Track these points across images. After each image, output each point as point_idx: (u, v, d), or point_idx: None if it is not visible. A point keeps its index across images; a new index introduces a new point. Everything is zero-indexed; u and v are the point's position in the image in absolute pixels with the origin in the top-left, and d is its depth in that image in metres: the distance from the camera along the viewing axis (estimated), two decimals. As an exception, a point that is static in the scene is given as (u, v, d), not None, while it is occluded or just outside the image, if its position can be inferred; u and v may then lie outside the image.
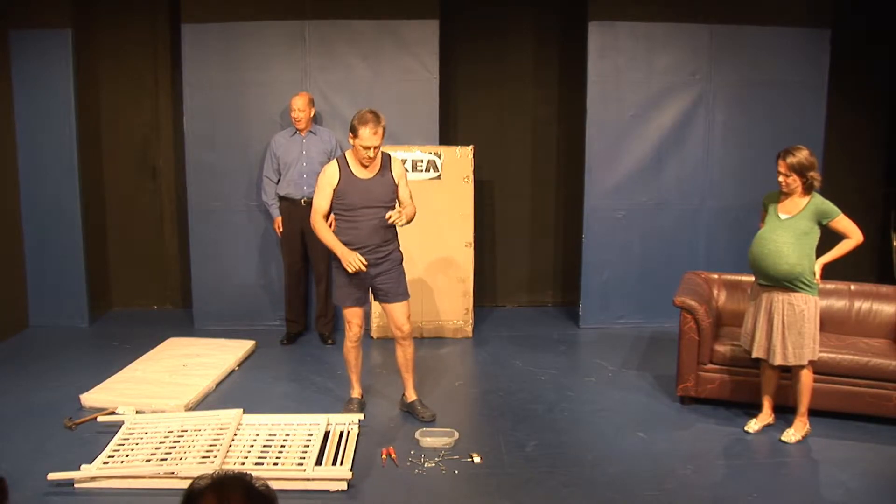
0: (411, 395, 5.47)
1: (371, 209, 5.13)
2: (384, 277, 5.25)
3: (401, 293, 5.32)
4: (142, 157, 8.14)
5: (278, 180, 7.03)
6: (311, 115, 7.00)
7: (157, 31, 7.93)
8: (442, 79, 7.46)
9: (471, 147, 7.27)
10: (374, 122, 4.98)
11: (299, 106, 6.91)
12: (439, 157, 7.20)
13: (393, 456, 4.82)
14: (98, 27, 7.78)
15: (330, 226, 6.98)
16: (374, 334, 7.24)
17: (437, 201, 7.14)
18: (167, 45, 7.90)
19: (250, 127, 7.36)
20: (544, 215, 8.39)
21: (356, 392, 5.59)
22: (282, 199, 7.04)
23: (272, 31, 7.28)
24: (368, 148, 5.01)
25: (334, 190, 5.13)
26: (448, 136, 7.85)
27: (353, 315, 5.33)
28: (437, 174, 7.20)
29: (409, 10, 7.29)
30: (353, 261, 5.03)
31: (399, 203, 5.27)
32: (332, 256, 7.19)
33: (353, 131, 5.02)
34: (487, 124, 8.18)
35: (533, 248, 8.45)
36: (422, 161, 7.20)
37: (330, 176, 5.15)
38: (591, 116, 7.40)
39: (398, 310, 5.31)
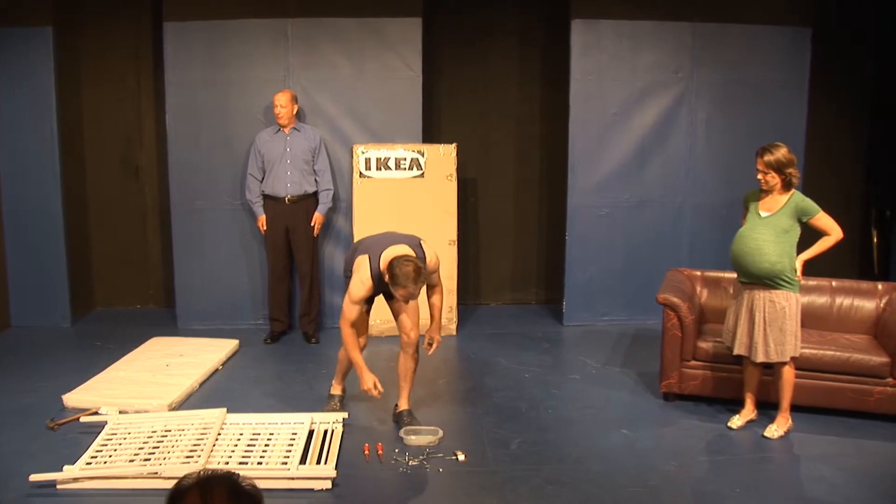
0: (403, 405, 5.35)
1: None
2: None
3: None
4: (124, 157, 8.09)
5: (262, 178, 7.01)
6: (294, 111, 6.99)
7: (139, 30, 7.87)
8: (425, 77, 7.46)
9: (454, 145, 7.28)
10: (413, 285, 4.65)
11: (281, 102, 6.89)
12: (422, 155, 7.21)
13: (380, 452, 4.83)
14: (80, 25, 7.72)
15: (314, 225, 7.00)
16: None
17: (420, 199, 7.15)
18: (149, 44, 7.85)
19: (233, 125, 7.33)
20: (528, 213, 8.41)
21: (337, 389, 5.57)
22: (266, 197, 7.02)
23: (255, 30, 7.26)
24: (404, 300, 4.85)
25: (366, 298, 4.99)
26: (431, 134, 7.84)
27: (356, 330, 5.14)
28: (421, 172, 7.21)
29: (392, 8, 7.29)
30: (370, 387, 4.97)
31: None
32: (319, 257, 7.25)
33: (391, 281, 4.71)
34: (470, 122, 8.19)
35: (516, 245, 8.46)
36: (405, 159, 7.20)
37: (365, 290, 4.90)
38: (574, 114, 7.42)
39: (406, 310, 5.16)
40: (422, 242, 5.02)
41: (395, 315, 5.26)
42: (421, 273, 4.68)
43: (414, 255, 4.80)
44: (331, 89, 7.37)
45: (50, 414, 5.37)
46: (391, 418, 5.39)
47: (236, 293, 7.55)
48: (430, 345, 5.20)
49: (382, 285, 4.90)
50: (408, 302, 4.94)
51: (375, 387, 4.98)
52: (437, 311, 5.20)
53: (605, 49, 7.39)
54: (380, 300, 5.29)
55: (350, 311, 4.97)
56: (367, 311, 5.28)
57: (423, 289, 5.08)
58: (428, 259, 4.94)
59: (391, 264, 4.69)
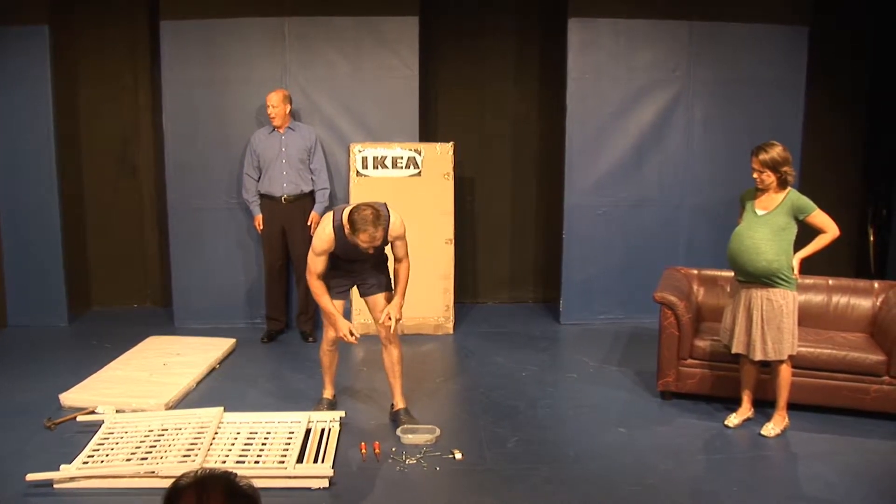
0: (398, 404, 5.35)
1: (363, 261, 5.11)
2: (369, 272, 5.23)
3: (384, 283, 5.25)
4: (121, 156, 8.07)
5: (259, 177, 7.00)
6: (288, 111, 6.96)
7: (135, 29, 7.85)
8: (422, 75, 7.45)
9: (451, 144, 7.28)
10: (372, 227, 4.68)
11: (273, 102, 6.87)
12: (419, 154, 7.21)
13: (377, 451, 4.83)
14: (76, 24, 7.70)
15: (310, 225, 6.99)
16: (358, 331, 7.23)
17: (417, 198, 7.14)
18: (146, 43, 7.83)
19: (230, 124, 7.32)
20: (525, 212, 8.40)
21: (328, 393, 5.56)
22: (262, 196, 7.01)
23: (252, 28, 7.25)
24: (368, 247, 4.83)
25: (329, 252, 5.00)
26: (428, 133, 7.84)
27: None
28: (418, 171, 7.21)
29: (389, 6, 7.28)
30: (346, 333, 5.02)
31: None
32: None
33: (351, 228, 4.74)
34: (467, 121, 8.18)
35: (513, 244, 8.46)
36: (402, 158, 7.19)
37: (326, 242, 4.93)
38: (571, 113, 7.42)
39: (381, 304, 5.21)
40: (388, 206, 5.01)
41: (371, 310, 5.31)
42: (380, 217, 4.71)
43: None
44: (328, 88, 7.36)
45: (47, 413, 5.36)
46: (388, 417, 5.38)
47: (233, 292, 7.54)
48: (389, 319, 5.12)
49: (344, 244, 4.90)
50: (372, 251, 4.87)
51: (351, 333, 5.03)
52: (401, 287, 5.17)
53: (603, 48, 7.39)
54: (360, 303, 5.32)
55: (314, 263, 5.01)
56: (343, 297, 5.28)
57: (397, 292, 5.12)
58: (392, 221, 4.94)
59: (350, 213, 4.76)
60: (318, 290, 5.06)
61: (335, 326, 5.09)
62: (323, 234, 4.94)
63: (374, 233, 4.70)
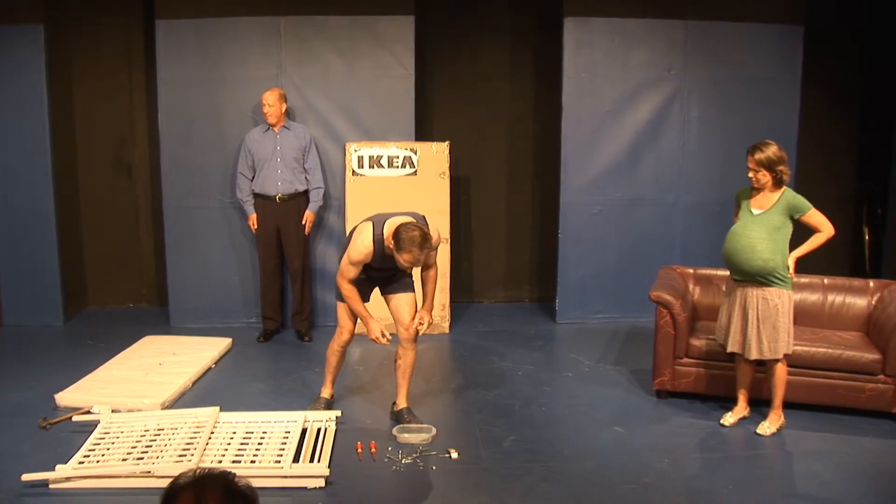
0: (402, 403, 5.34)
1: (393, 269, 5.06)
2: (395, 276, 5.20)
3: (407, 284, 5.22)
4: (116, 155, 8.06)
5: (253, 177, 7.00)
6: (283, 110, 6.96)
7: (131, 28, 7.84)
8: (418, 75, 7.45)
9: (447, 143, 7.27)
10: (419, 250, 4.66)
11: (269, 101, 6.87)
12: (415, 153, 7.20)
13: (373, 450, 4.83)
14: (71, 23, 7.68)
15: (305, 224, 6.99)
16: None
17: (412, 197, 7.12)
18: (141, 42, 7.81)
19: (225, 123, 7.31)
20: (520, 211, 8.41)
21: (327, 392, 5.55)
22: (256, 195, 7.00)
23: (247, 27, 7.24)
24: (408, 267, 4.84)
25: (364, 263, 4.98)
26: (424, 132, 7.84)
27: (347, 321, 5.24)
28: (413, 170, 7.20)
29: (384, 5, 7.27)
30: (378, 335, 5.00)
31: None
32: (310, 255, 7.25)
33: (396, 246, 4.71)
34: (463, 120, 8.18)
35: (509, 243, 8.46)
36: (397, 157, 7.19)
37: (364, 254, 4.89)
38: (566, 112, 7.42)
39: (404, 304, 5.18)
40: (426, 218, 5.02)
41: (393, 311, 5.26)
42: (427, 240, 4.69)
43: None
44: (323, 87, 7.35)
45: (42, 413, 5.35)
46: (389, 416, 5.38)
47: (229, 291, 7.53)
48: (421, 324, 5.14)
49: (381, 256, 4.89)
50: (411, 270, 4.93)
51: (383, 335, 5.01)
52: (430, 293, 5.18)
53: (598, 47, 7.40)
54: (377, 300, 5.31)
55: (348, 270, 4.98)
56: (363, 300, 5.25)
57: (417, 272, 5.12)
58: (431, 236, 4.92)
59: (397, 230, 4.70)
60: (351, 293, 5.04)
61: (368, 329, 5.05)
62: (361, 247, 4.90)
63: (419, 255, 4.69)
